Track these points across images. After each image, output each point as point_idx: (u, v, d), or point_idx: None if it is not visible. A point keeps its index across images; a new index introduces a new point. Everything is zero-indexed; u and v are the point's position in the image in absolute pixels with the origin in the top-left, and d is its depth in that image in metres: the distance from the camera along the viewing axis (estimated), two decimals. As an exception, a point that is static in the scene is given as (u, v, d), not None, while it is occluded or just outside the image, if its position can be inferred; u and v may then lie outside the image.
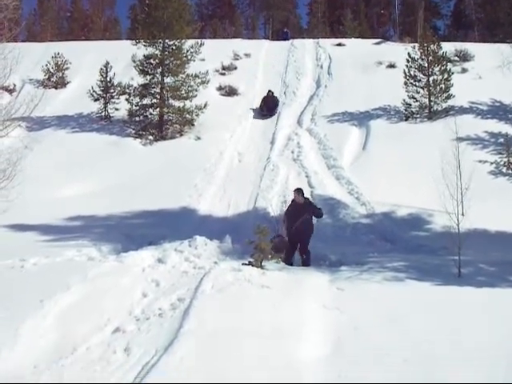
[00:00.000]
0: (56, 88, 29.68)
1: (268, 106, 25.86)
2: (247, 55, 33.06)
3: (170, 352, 7.12)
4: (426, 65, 24.03)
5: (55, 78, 30.31)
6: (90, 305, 9.03)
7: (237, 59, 32.49)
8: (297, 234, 12.66)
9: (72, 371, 6.82)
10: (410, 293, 9.61)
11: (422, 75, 24.04)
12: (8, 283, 10.19)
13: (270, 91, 26.63)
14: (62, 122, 25.51)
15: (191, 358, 6.95)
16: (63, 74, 30.62)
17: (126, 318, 8.71)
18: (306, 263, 12.54)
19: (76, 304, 9.03)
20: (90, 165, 20.28)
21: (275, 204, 16.76)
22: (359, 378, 6.45)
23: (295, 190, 13.37)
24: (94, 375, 6.68)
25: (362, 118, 23.51)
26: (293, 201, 13.17)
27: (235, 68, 31.25)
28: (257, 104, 26.25)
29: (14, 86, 28.60)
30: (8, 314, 8.25)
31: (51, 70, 30.39)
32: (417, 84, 23.97)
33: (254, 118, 25.37)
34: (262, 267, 11.16)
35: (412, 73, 24.12)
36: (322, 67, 30.62)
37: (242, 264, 11.23)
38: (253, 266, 11.13)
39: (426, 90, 23.77)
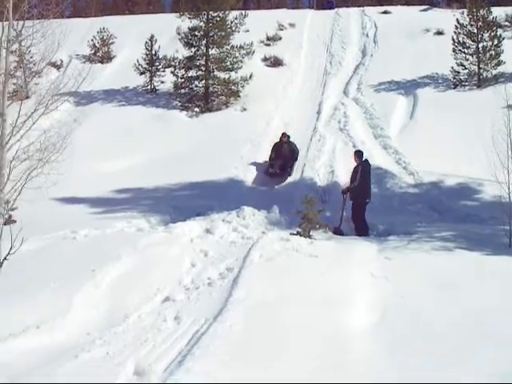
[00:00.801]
0: (102, 63, 29.90)
1: (281, 159, 17.59)
2: (292, 25, 32.72)
3: (219, 320, 7.21)
4: (476, 31, 23.41)
5: (101, 53, 30.54)
6: (140, 274, 9.19)
7: (281, 29, 32.19)
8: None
9: (124, 339, 6.95)
10: (459, 262, 9.53)
11: (470, 42, 23.43)
12: (61, 254, 10.44)
13: (284, 134, 18.31)
14: (109, 96, 25.75)
15: (240, 327, 7.03)
16: (109, 48, 30.82)
17: (175, 287, 8.86)
18: (357, 232, 12.59)
19: (127, 274, 9.21)
20: (136, 138, 20.44)
21: (322, 174, 16.69)
22: (406, 348, 6.42)
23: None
24: (146, 343, 6.80)
25: (408, 87, 23.15)
26: None
27: (280, 38, 30.99)
28: (301, 77, 26.08)
29: (61, 61, 28.91)
30: (62, 283, 8.44)
31: (97, 45, 30.63)
32: (465, 51, 23.38)
33: (254, 182, 17.44)
34: (309, 237, 11.20)
35: (460, 39, 23.54)
36: (367, 36, 30.17)
37: (290, 234, 11.29)
38: (301, 235, 11.17)
39: (475, 56, 23.20)
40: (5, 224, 10.39)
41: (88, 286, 8.54)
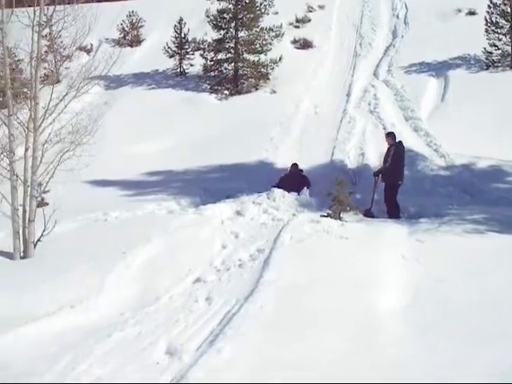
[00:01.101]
0: (131, 46, 30.07)
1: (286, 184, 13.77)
2: (321, 7, 32.51)
3: (250, 301, 7.23)
4: (509, 10, 23.01)
5: (130, 37, 30.69)
6: (171, 256, 9.26)
7: (310, 11, 32.02)
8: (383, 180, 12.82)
9: (156, 319, 7.02)
10: (491, 246, 9.38)
11: (504, 21, 23.02)
12: (92, 235, 10.56)
13: (294, 165, 15.13)
14: (139, 79, 25.89)
15: (271, 308, 7.04)
16: (138, 32, 30.98)
17: (206, 268, 8.90)
18: (388, 215, 12.48)
19: (158, 255, 9.30)
20: (166, 120, 20.54)
21: (352, 156, 16.61)
22: (437, 332, 6.36)
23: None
24: (178, 323, 6.86)
25: (440, 68, 22.87)
26: None
27: (309, 20, 30.84)
28: (331, 59, 25.96)
29: (91, 45, 29.09)
30: (94, 264, 8.56)
31: (126, 29, 30.79)
32: (499, 31, 22.98)
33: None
34: (340, 219, 11.15)
35: (493, 19, 23.13)
36: (398, 17, 29.85)
37: (321, 216, 11.25)
38: (331, 217, 11.13)
39: (508, 36, 22.83)
40: (38, 206, 10.54)
41: (119, 267, 8.65)
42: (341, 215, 11.30)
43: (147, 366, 5.71)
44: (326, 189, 12.02)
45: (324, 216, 11.21)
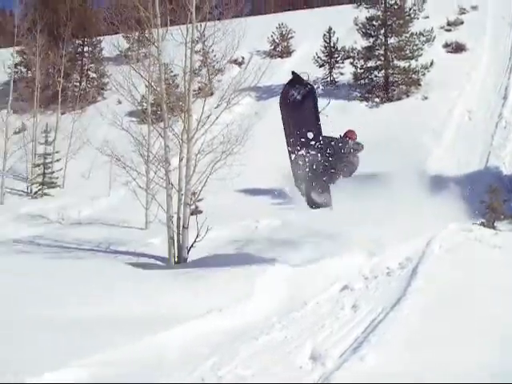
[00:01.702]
0: (281, 57, 30.62)
1: None
2: (474, 8, 31.46)
3: (396, 309, 7.13)
4: None
5: (280, 48, 31.27)
6: (319, 263, 9.32)
7: (463, 13, 31.10)
8: None
9: (302, 324, 7.09)
10: None
11: None
12: (244, 241, 10.86)
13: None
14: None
15: (418, 317, 6.90)
16: (288, 43, 31.49)
17: (354, 276, 8.90)
18: None
19: (307, 262, 9.40)
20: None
21: (508, 163, 15.99)
22: None
23: None
24: (323, 329, 6.90)
25: None
26: None
27: (461, 23, 29.96)
28: (486, 62, 25.04)
29: (243, 58, 29.95)
30: (244, 270, 8.82)
31: (276, 41, 31.39)
32: None
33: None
34: (493, 227, 10.79)
35: None
36: (561, 12, 28.34)
37: (473, 224, 10.92)
38: (484, 226, 10.80)
39: None
40: (192, 214, 11.03)
41: (269, 273, 8.81)
42: (494, 224, 10.91)
43: (290, 369, 5.77)
44: (480, 196, 11.66)
45: (476, 224, 10.88)
